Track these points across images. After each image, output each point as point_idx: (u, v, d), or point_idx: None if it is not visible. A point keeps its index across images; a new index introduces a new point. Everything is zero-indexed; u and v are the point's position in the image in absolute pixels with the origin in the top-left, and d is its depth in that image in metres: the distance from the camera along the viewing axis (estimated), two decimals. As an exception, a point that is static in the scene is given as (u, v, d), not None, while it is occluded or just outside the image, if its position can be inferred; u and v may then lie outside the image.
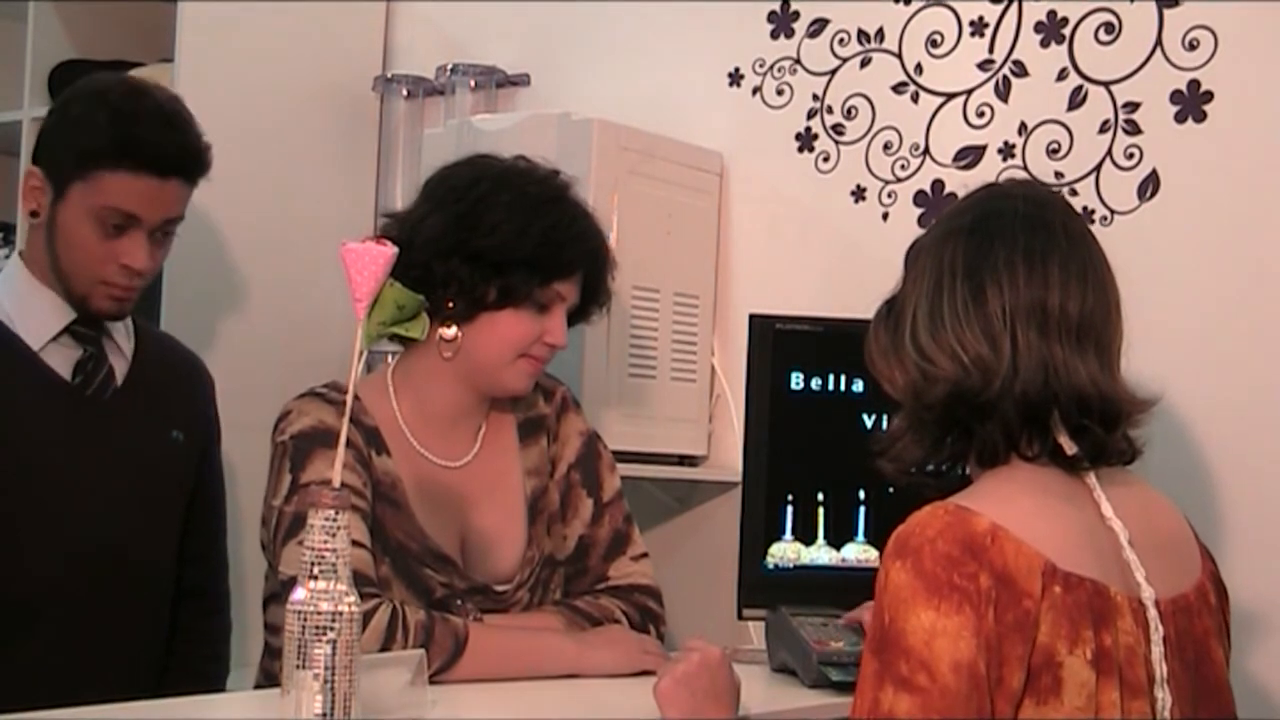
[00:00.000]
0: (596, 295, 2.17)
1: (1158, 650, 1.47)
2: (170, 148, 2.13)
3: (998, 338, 1.53)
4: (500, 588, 2.09)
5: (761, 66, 2.86)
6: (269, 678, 2.08)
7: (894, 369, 1.60)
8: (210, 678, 2.31)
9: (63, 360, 2.17)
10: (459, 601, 2.03)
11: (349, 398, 1.49)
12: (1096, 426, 1.52)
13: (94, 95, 2.15)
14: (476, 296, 2.04)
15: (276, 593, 2.02)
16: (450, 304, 2.04)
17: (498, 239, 2.03)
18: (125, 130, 2.10)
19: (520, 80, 3.14)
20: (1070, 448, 1.52)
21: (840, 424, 2.33)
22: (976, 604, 1.40)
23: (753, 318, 2.39)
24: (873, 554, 2.31)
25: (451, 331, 2.06)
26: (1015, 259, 1.55)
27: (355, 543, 1.78)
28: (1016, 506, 1.48)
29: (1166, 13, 2.44)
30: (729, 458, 2.78)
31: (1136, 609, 1.47)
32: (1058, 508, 1.50)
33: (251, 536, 2.11)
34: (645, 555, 2.22)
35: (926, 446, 1.57)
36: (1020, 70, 2.58)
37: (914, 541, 1.45)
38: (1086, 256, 1.58)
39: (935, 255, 1.59)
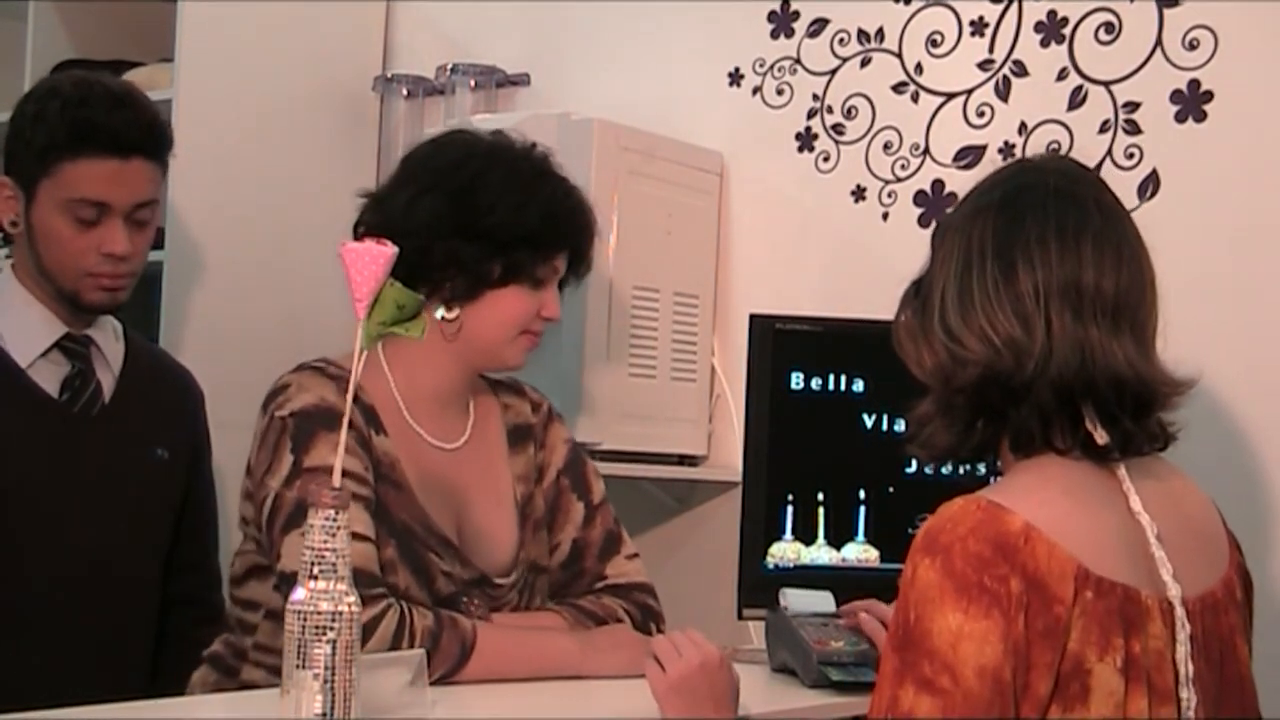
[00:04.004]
0: (578, 267, 2.17)
1: (1183, 649, 1.44)
2: (124, 126, 2.12)
3: (1030, 318, 1.48)
4: (499, 580, 2.08)
5: (761, 66, 2.86)
6: (235, 652, 2.04)
7: (922, 351, 1.55)
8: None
9: (51, 376, 2.16)
10: (466, 599, 2.03)
11: (349, 396, 1.49)
12: (1128, 414, 1.49)
13: (46, 92, 2.17)
14: (480, 275, 2.03)
15: (261, 565, 2.00)
16: (450, 285, 2.03)
17: (499, 217, 2.02)
18: (77, 116, 2.10)
19: (520, 80, 3.14)
20: (1101, 437, 1.48)
21: (840, 424, 2.33)
22: (1006, 608, 1.36)
23: (753, 318, 2.39)
24: (873, 554, 2.31)
25: (452, 313, 2.05)
26: (1047, 235, 1.50)
27: (358, 536, 1.77)
28: (1051, 506, 1.43)
29: (1166, 13, 2.44)
30: (729, 458, 2.78)
31: (1165, 610, 1.44)
32: (1091, 507, 1.46)
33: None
34: (637, 555, 2.22)
35: (957, 432, 1.53)
36: (1020, 70, 2.58)
37: (944, 539, 1.40)
38: (1121, 233, 1.54)
39: (964, 233, 1.54)
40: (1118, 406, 1.48)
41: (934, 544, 1.40)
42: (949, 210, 1.64)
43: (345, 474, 1.48)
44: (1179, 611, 1.45)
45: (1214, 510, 1.61)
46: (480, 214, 2.02)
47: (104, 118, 2.11)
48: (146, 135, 2.15)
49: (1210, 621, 1.49)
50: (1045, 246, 1.50)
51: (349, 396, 1.49)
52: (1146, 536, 1.47)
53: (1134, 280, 1.52)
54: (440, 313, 2.04)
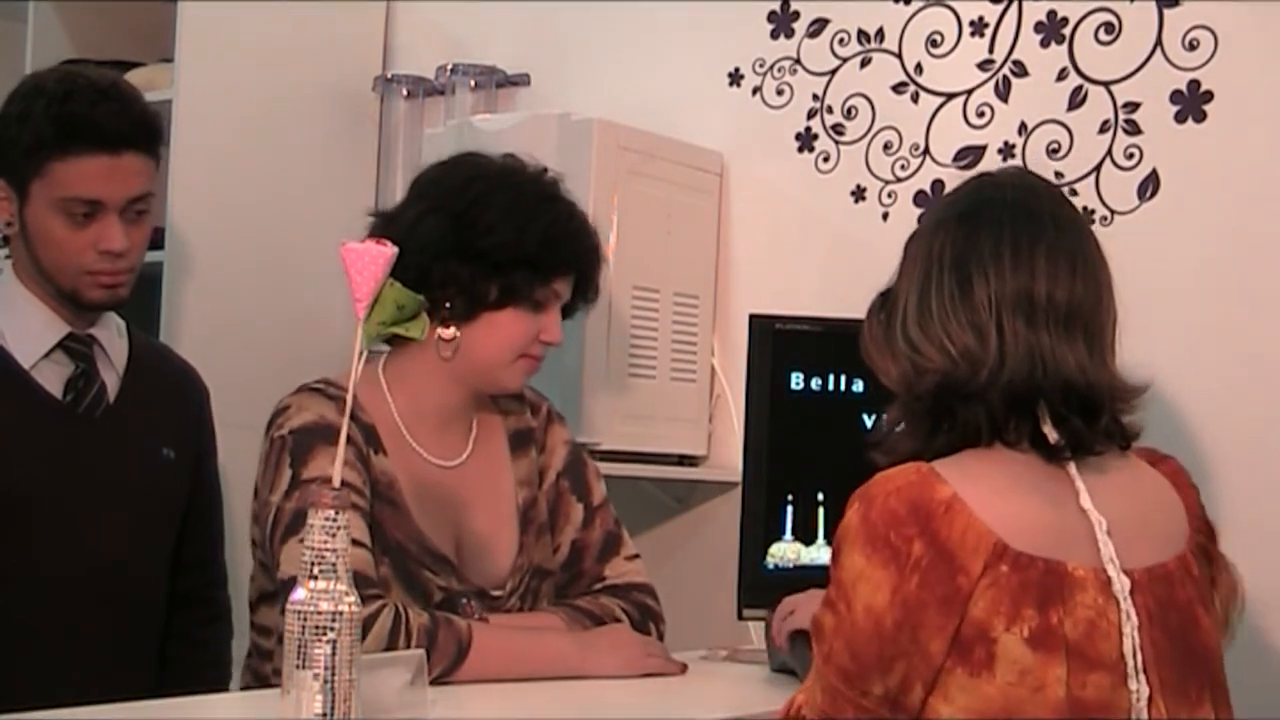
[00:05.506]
0: (586, 292, 2.18)
1: (1130, 642, 1.48)
2: (112, 120, 2.09)
3: (984, 328, 1.55)
4: (495, 592, 2.09)
5: (761, 66, 2.86)
6: (257, 678, 2.07)
7: (887, 361, 1.63)
8: (211, 683, 2.31)
9: (54, 377, 2.15)
10: (464, 600, 2.03)
11: (349, 397, 1.49)
12: (1078, 418, 1.54)
13: (30, 90, 2.13)
14: (477, 296, 2.04)
15: (269, 592, 2.01)
16: (449, 305, 2.04)
17: (498, 239, 2.03)
18: (62, 113, 2.07)
19: (520, 80, 3.14)
20: (1053, 436, 1.54)
21: (840, 424, 2.33)
22: (902, 566, 1.46)
23: (753, 318, 2.39)
24: (873, 554, 2.31)
25: (450, 332, 2.06)
26: (1002, 248, 1.57)
27: (356, 542, 1.78)
28: (985, 483, 1.50)
29: (1166, 13, 2.44)
30: (729, 458, 2.78)
31: (1104, 582, 1.49)
32: (1028, 490, 1.52)
33: (248, 538, 2.10)
34: (637, 556, 2.23)
35: (920, 438, 1.59)
36: (1020, 70, 2.58)
37: (874, 490, 1.52)
38: (1075, 244, 1.59)
39: (925, 246, 1.62)
40: (1065, 409, 1.54)
41: (866, 493, 1.52)
42: (917, 223, 1.69)
43: (344, 484, 1.48)
44: (1125, 604, 1.49)
45: (1175, 499, 1.64)
46: (479, 235, 2.03)
47: (92, 112, 2.08)
48: (136, 128, 2.12)
49: (1164, 591, 1.53)
50: (999, 259, 1.57)
51: (349, 398, 1.49)
52: (1095, 531, 1.51)
53: (1088, 290, 1.58)
54: (439, 332, 2.04)
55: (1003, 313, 1.55)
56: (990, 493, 1.49)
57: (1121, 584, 1.50)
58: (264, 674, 2.04)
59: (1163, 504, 1.62)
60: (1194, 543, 1.61)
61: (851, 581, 1.49)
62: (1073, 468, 1.55)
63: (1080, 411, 1.54)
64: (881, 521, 1.48)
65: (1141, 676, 1.48)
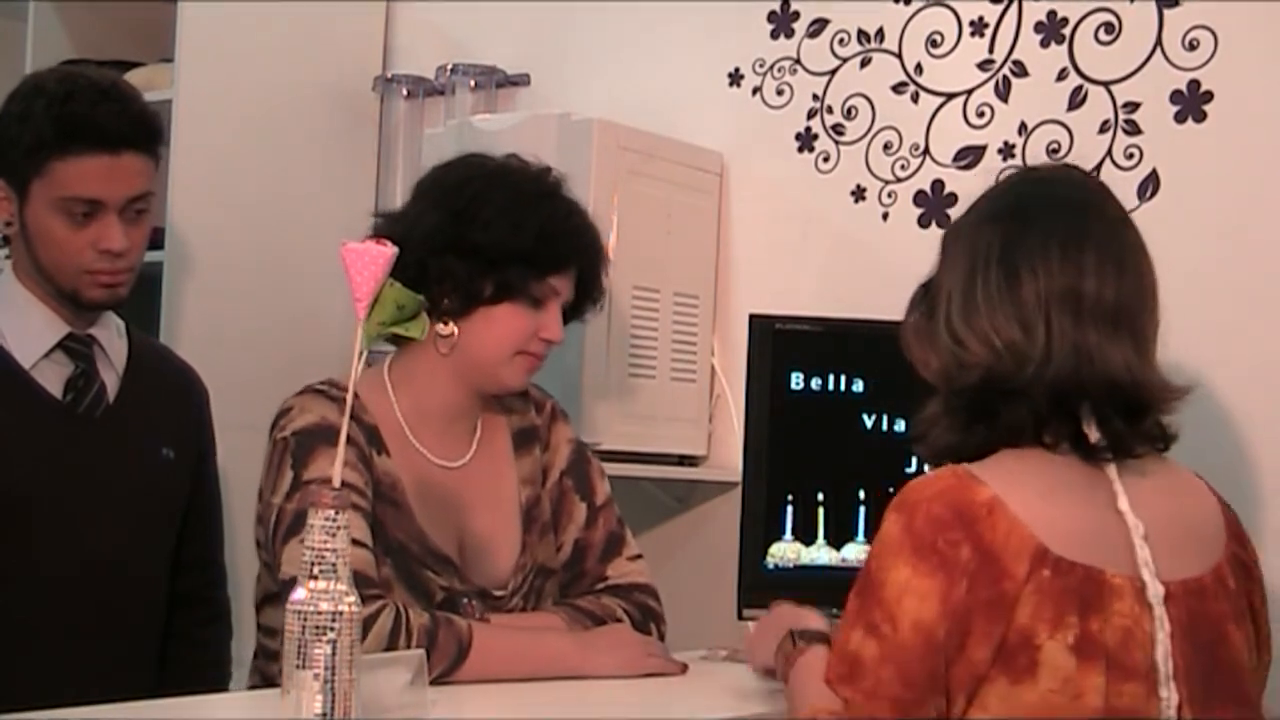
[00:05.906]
0: (590, 291, 2.18)
1: (1162, 648, 1.47)
2: (112, 120, 2.09)
3: (1031, 323, 1.53)
4: (498, 592, 2.09)
5: (761, 66, 2.86)
6: (265, 679, 2.07)
7: (928, 353, 1.61)
8: (211, 683, 2.31)
9: (54, 377, 2.15)
10: (465, 600, 2.03)
11: (349, 397, 1.49)
12: (1120, 419, 1.53)
13: (31, 90, 2.14)
14: (473, 292, 2.05)
15: (274, 593, 2.01)
16: (446, 300, 2.04)
17: (493, 234, 2.04)
18: (63, 113, 2.08)
19: (520, 80, 3.14)
20: (1094, 436, 1.53)
21: (840, 424, 2.33)
22: (951, 572, 1.44)
23: (753, 318, 2.39)
24: (873, 554, 2.31)
25: (448, 328, 2.06)
26: (1050, 245, 1.55)
27: (357, 542, 1.78)
28: (1024, 486, 1.49)
29: (1166, 13, 2.44)
30: (729, 458, 2.79)
31: (1139, 590, 1.48)
32: (1066, 493, 1.51)
33: (248, 539, 2.10)
34: (640, 556, 2.23)
35: (959, 432, 1.57)
36: (1020, 70, 2.58)
37: (913, 497, 1.49)
38: (1123, 243, 1.59)
39: (971, 239, 1.60)
40: (1111, 409, 1.53)
41: (904, 502, 1.50)
42: (959, 214, 1.70)
43: (344, 484, 1.48)
44: (1159, 610, 1.48)
45: (1214, 506, 1.63)
46: (475, 229, 2.04)
47: (92, 112, 2.08)
48: (136, 128, 2.13)
49: (1196, 605, 1.52)
50: (1048, 255, 1.55)
51: (349, 397, 1.49)
52: (1131, 535, 1.50)
53: (1135, 288, 1.57)
54: (437, 328, 2.05)
55: (1051, 309, 1.53)
56: (1031, 495, 1.48)
57: (1156, 590, 1.49)
58: (271, 675, 2.04)
59: (1201, 507, 1.62)
60: (1229, 552, 1.60)
61: (896, 597, 1.46)
62: (1112, 469, 1.54)
63: (1124, 411, 1.53)
64: (927, 528, 1.46)
65: (1171, 683, 1.47)
